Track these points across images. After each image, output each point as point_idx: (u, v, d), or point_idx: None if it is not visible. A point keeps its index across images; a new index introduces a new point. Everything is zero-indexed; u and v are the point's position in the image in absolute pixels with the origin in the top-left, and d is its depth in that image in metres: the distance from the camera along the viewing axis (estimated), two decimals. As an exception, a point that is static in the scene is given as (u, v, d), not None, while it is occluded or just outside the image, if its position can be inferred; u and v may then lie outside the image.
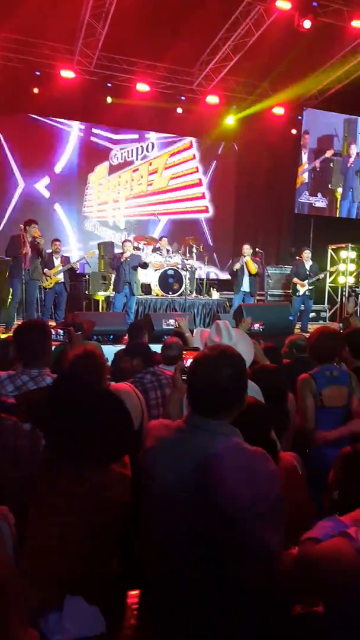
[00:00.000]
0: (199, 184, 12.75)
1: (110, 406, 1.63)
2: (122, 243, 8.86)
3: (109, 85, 10.57)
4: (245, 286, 8.91)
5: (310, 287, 9.18)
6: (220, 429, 1.48)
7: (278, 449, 1.97)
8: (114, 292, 8.76)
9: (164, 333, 6.68)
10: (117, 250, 9.60)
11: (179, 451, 1.48)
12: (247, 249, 8.95)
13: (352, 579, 1.09)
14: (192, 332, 3.48)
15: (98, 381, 2.06)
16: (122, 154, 11.98)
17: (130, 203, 12.07)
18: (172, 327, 4.49)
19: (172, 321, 4.51)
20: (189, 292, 9.82)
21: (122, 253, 8.53)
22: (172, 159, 12.45)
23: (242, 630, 1.37)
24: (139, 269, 8.76)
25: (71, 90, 10.14)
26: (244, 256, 8.88)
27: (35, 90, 10.12)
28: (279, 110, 11.68)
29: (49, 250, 8.31)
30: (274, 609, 1.42)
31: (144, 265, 8.90)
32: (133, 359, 3.22)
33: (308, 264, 9.23)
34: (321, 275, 9.61)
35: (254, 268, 8.86)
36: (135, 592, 1.63)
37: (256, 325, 3.72)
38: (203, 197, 12.80)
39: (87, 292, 10.07)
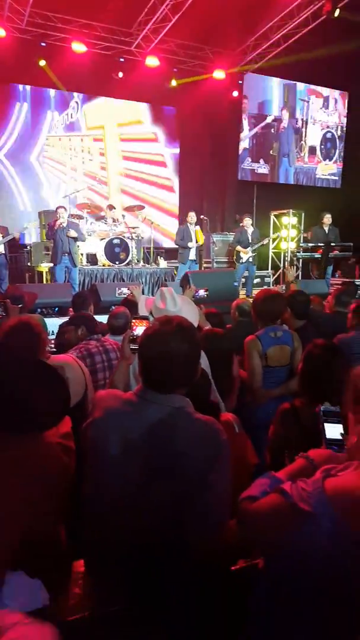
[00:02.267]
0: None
1: (41, 376, 1.59)
2: (56, 209, 8.42)
3: (42, 44, 10.04)
4: (192, 255, 8.97)
5: (253, 254, 9.37)
6: (173, 402, 1.47)
7: (219, 410, 2.06)
8: (52, 264, 8.49)
9: (113, 303, 6.66)
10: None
11: (129, 424, 1.46)
12: (192, 216, 8.97)
13: (288, 533, 1.12)
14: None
15: (32, 352, 2.01)
16: (64, 117, 11.51)
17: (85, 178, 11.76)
18: (125, 296, 4.47)
19: (125, 289, 4.49)
20: (136, 262, 9.76)
21: (55, 220, 8.14)
22: (123, 130, 12.15)
23: (187, 593, 1.40)
24: (81, 233, 8.50)
25: (2, 50, 9.55)
26: (192, 225, 8.91)
27: None
28: (219, 75, 11.54)
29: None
30: (216, 566, 1.47)
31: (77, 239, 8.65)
32: (77, 329, 3.23)
33: (250, 230, 9.35)
34: (265, 241, 9.80)
35: (201, 238, 8.94)
36: (80, 562, 1.61)
37: (201, 292, 3.79)
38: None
39: (29, 264, 9.78)
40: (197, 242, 8.98)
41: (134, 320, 2.03)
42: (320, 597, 1.14)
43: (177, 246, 9.33)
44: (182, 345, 1.47)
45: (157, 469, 1.42)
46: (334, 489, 1.10)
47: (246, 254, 9.22)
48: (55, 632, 0.76)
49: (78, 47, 10.04)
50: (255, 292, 9.32)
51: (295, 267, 11.15)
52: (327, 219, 9.56)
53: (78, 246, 8.52)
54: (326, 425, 1.48)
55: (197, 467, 1.41)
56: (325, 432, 1.47)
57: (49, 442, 1.56)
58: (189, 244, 8.89)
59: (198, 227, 8.91)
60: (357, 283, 9.30)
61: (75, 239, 8.20)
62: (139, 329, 1.96)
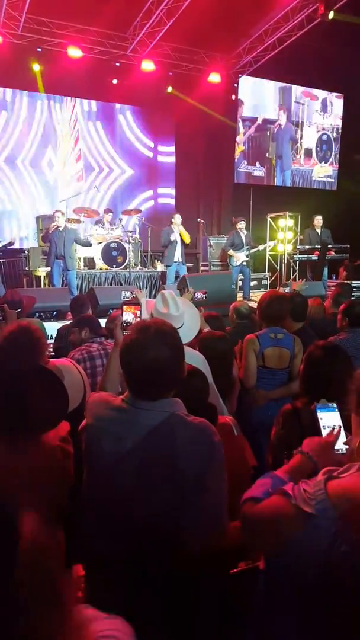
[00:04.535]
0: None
1: (41, 380, 1.59)
2: (53, 213, 8.42)
3: (38, 50, 10.07)
4: (177, 256, 8.96)
5: (247, 258, 9.37)
6: (162, 407, 1.47)
7: (217, 413, 2.06)
8: (39, 268, 8.51)
9: (111, 307, 6.66)
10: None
11: (120, 431, 1.47)
12: (177, 217, 8.99)
13: (290, 535, 1.12)
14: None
15: (32, 356, 2.01)
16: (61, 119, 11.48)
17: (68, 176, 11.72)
18: (127, 299, 4.48)
19: (127, 293, 4.50)
20: (133, 265, 9.75)
21: (51, 224, 8.14)
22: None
23: (186, 595, 1.40)
24: (80, 239, 8.52)
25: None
26: (177, 226, 8.91)
27: None
28: (215, 78, 11.58)
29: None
30: (215, 568, 1.47)
31: (86, 244, 8.69)
32: (81, 330, 3.24)
33: (243, 234, 9.38)
34: (261, 247, 9.82)
35: (187, 237, 8.94)
36: (79, 566, 1.61)
37: (199, 294, 3.80)
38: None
39: (27, 269, 9.78)
40: (182, 241, 8.96)
41: (124, 306, 2.01)
42: (321, 600, 1.14)
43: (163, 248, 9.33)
44: (162, 352, 1.45)
45: (151, 474, 1.42)
46: (336, 492, 1.10)
47: (238, 259, 9.24)
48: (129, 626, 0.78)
49: (74, 52, 10.06)
50: (252, 294, 9.36)
51: (292, 269, 11.19)
52: (318, 221, 9.61)
53: (76, 250, 8.53)
54: (322, 416, 1.51)
55: (191, 471, 1.41)
56: (322, 426, 1.49)
57: (49, 445, 1.57)
58: (172, 237, 8.84)
59: (182, 228, 8.92)
60: (354, 285, 9.32)
61: (87, 244, 8.23)
62: (128, 315, 1.96)
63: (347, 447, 1.39)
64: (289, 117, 13.19)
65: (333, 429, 1.45)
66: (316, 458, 1.35)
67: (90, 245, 8.85)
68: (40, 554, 0.67)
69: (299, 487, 1.15)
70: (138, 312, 2.04)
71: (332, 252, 9.60)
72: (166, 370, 1.46)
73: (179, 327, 2.30)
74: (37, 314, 6.56)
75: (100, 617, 0.74)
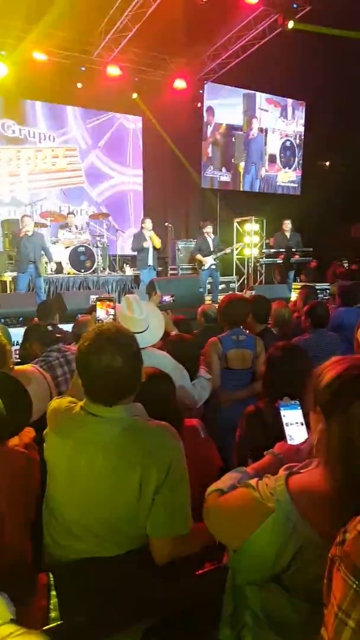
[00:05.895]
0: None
1: (2, 388, 1.59)
2: (21, 218, 8.35)
3: (2, 53, 9.93)
4: (151, 260, 9.01)
5: (215, 262, 9.49)
6: (120, 413, 1.47)
7: (182, 416, 2.09)
8: (3, 273, 8.39)
9: (79, 312, 6.60)
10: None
11: (77, 438, 1.47)
12: (148, 222, 9.04)
13: (251, 528, 1.13)
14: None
15: None
16: (19, 128, 11.33)
17: (33, 178, 11.55)
18: (94, 304, 4.44)
19: (95, 297, 4.48)
20: (102, 269, 9.72)
21: (21, 229, 8.08)
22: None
23: (151, 598, 1.41)
24: (47, 249, 8.44)
25: None
26: (147, 230, 8.94)
27: None
28: (180, 84, 11.68)
29: None
30: (180, 570, 1.48)
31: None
32: (32, 345, 3.14)
33: (210, 238, 9.47)
34: (227, 250, 9.92)
35: (158, 242, 8.98)
36: (44, 574, 1.59)
37: (167, 298, 3.84)
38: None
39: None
40: (153, 246, 9.00)
41: (98, 302, 2.02)
42: (282, 594, 1.17)
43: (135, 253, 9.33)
44: (115, 358, 1.42)
45: (110, 480, 1.43)
46: (296, 487, 1.12)
47: (207, 262, 9.33)
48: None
49: (38, 55, 9.96)
50: (221, 297, 9.45)
51: (259, 272, 11.38)
52: (287, 224, 9.80)
53: (43, 254, 8.44)
54: (285, 414, 1.53)
55: (152, 475, 1.42)
56: (284, 426, 1.51)
57: (12, 450, 1.56)
58: (144, 244, 8.88)
59: (152, 232, 8.95)
60: (317, 287, 9.54)
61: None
62: (100, 312, 1.96)
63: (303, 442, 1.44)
64: (251, 122, 13.40)
65: (306, 438, 1.46)
66: (286, 460, 1.37)
67: (50, 259, 8.79)
68: None
69: (263, 482, 1.18)
70: (111, 310, 2.04)
71: (297, 256, 9.81)
72: (121, 376, 1.44)
73: (144, 330, 2.33)
74: (2, 320, 6.45)
75: (15, 634, 0.73)
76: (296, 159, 14.28)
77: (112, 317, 2.00)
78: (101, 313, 1.96)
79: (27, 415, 1.64)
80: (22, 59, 10.01)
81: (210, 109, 12.66)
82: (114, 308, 2.04)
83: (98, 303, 1.99)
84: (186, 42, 10.18)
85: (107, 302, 2.00)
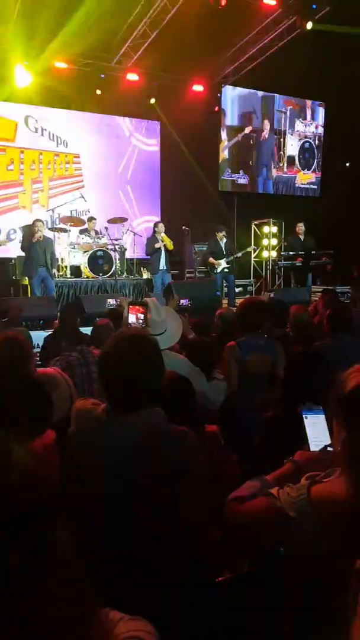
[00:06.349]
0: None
1: (25, 391, 1.61)
2: (33, 222, 8.43)
3: (25, 63, 10.08)
4: (163, 264, 9.01)
5: (228, 265, 9.44)
6: (139, 419, 1.45)
7: (202, 421, 2.08)
8: (25, 277, 8.49)
9: (97, 315, 6.67)
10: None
11: (98, 442, 1.46)
12: (161, 226, 9.05)
13: (271, 537, 1.13)
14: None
15: (20, 367, 2.05)
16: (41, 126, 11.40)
17: (52, 184, 11.67)
18: (112, 307, 4.49)
19: (112, 301, 4.51)
20: (119, 273, 9.78)
21: (33, 234, 8.18)
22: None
23: (168, 604, 1.39)
24: (54, 254, 8.48)
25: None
26: (159, 233, 8.96)
27: None
28: (198, 88, 11.72)
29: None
30: (198, 578, 1.46)
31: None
32: (60, 342, 3.24)
33: (222, 242, 9.46)
34: (239, 254, 9.89)
35: (170, 243, 9.00)
36: None
37: (184, 301, 3.85)
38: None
39: (14, 277, 9.75)
40: (166, 247, 9.00)
41: (130, 306, 2.02)
42: (301, 603, 1.16)
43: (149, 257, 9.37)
44: (137, 365, 1.42)
45: (129, 486, 1.42)
46: (319, 496, 1.11)
47: (219, 266, 9.31)
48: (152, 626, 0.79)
49: (60, 64, 10.10)
50: (238, 301, 9.42)
51: (277, 275, 11.31)
52: (300, 227, 9.74)
53: (55, 258, 8.58)
54: (308, 420, 1.50)
55: (171, 481, 1.41)
56: (307, 432, 1.48)
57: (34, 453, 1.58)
58: (156, 245, 8.90)
59: (164, 234, 8.98)
60: (338, 290, 9.44)
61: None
62: (131, 316, 1.98)
63: (331, 449, 1.43)
64: (272, 125, 13.36)
65: (326, 446, 1.43)
66: (306, 469, 1.35)
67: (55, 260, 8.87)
68: (72, 552, 0.69)
69: (284, 491, 1.17)
70: (140, 315, 2.05)
71: (325, 258, 9.75)
72: (142, 383, 1.43)
73: (162, 333, 2.35)
74: (23, 323, 6.54)
75: (125, 618, 0.76)
76: (315, 161, 14.17)
77: (141, 321, 2.01)
78: (132, 317, 1.98)
79: (49, 419, 1.66)
80: (43, 67, 10.16)
81: (226, 112, 12.65)
82: (144, 313, 2.05)
83: (129, 307, 2.00)
84: (204, 47, 10.20)
85: (137, 307, 2.01)
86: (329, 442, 1.43)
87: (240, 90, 12.61)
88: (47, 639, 0.59)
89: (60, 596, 0.62)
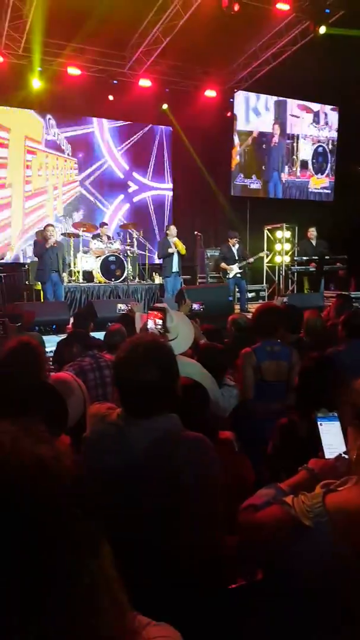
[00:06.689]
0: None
1: (40, 396, 1.62)
2: (45, 227, 8.50)
3: (39, 69, 10.23)
4: (175, 267, 9.03)
5: (240, 270, 9.43)
6: (154, 425, 1.44)
7: (217, 427, 2.06)
8: (38, 282, 8.55)
9: (109, 320, 6.68)
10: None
11: (113, 448, 1.46)
12: (173, 229, 9.06)
13: (286, 546, 1.12)
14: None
15: (34, 372, 2.06)
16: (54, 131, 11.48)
17: (64, 189, 11.76)
18: (123, 312, 4.49)
19: (122, 306, 4.51)
20: (131, 278, 9.81)
21: (46, 239, 8.21)
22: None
23: (181, 609, 1.36)
24: (65, 259, 8.55)
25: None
26: (172, 237, 8.97)
27: None
28: (211, 93, 11.76)
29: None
30: (213, 585, 1.45)
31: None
32: (72, 347, 3.25)
33: (235, 247, 9.46)
34: (251, 260, 9.86)
35: (183, 247, 9.02)
36: None
37: (196, 306, 3.83)
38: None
39: (27, 282, 9.84)
40: (178, 252, 9.02)
41: (149, 312, 2.03)
42: (318, 613, 1.14)
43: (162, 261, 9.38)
44: (152, 372, 1.41)
45: (143, 492, 1.41)
46: (334, 505, 1.10)
47: (232, 270, 9.30)
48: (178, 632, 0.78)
49: (72, 70, 10.21)
50: (251, 306, 9.39)
51: (290, 280, 11.25)
52: (312, 232, 9.68)
53: (66, 264, 8.64)
54: (323, 427, 1.48)
55: (185, 488, 1.39)
56: (322, 438, 1.46)
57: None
58: (169, 250, 8.94)
59: (176, 239, 9.00)
60: (353, 295, 9.36)
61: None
62: (150, 322, 1.97)
63: (346, 456, 1.40)
64: (284, 130, 13.33)
65: (340, 454, 1.41)
66: (321, 477, 1.34)
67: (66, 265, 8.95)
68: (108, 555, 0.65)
69: (299, 499, 1.16)
70: (159, 321, 2.05)
71: (339, 263, 9.68)
72: (157, 389, 1.42)
73: (174, 338, 2.34)
74: (37, 328, 6.58)
75: (152, 624, 0.76)
76: (329, 165, 14.11)
77: (160, 327, 2.00)
78: (150, 323, 1.98)
79: (64, 423, 1.66)
80: (57, 74, 10.29)
81: (239, 117, 12.65)
82: (162, 319, 2.04)
83: (149, 312, 2.00)
84: (217, 52, 10.24)
85: (156, 313, 2.01)
86: (344, 449, 1.41)
87: (253, 95, 12.61)
88: None
89: (110, 609, 0.59)
